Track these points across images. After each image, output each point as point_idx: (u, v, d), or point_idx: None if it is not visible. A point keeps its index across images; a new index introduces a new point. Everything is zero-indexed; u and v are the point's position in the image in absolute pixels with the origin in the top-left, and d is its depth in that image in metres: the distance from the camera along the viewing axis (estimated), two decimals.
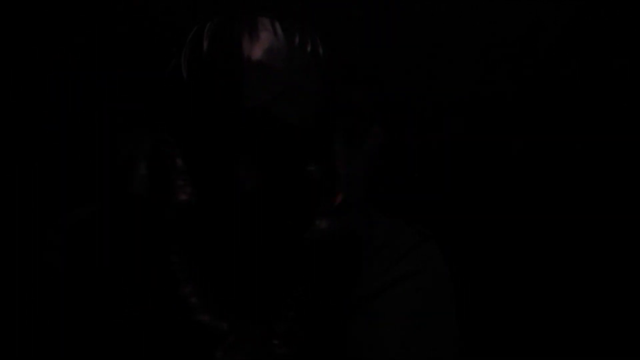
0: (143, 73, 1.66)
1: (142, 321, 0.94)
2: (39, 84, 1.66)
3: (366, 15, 1.66)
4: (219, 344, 0.91)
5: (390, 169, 1.68)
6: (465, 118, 1.69)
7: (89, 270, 1.02)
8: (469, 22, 1.67)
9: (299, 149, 0.98)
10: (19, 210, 1.65)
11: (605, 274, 1.70)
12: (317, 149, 1.00)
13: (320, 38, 1.08)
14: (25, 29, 1.64)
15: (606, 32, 1.66)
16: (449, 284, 1.09)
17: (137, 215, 0.96)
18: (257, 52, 0.99)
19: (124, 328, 0.96)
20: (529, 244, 1.71)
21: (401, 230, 1.12)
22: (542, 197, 1.70)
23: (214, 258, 0.96)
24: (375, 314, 1.02)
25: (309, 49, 1.03)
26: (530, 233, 1.70)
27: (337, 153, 1.04)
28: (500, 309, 1.71)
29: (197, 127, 0.98)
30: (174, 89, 1.03)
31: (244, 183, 0.95)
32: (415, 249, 1.10)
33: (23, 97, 1.66)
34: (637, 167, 1.68)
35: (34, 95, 1.66)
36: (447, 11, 1.67)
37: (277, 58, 0.99)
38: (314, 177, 0.97)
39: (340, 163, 1.02)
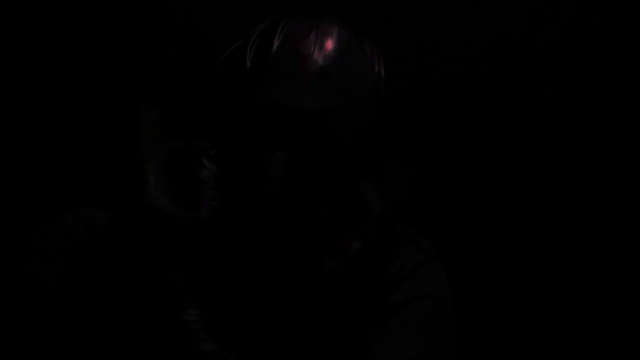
0: (143, 73, 1.66)
1: (137, 345, 0.89)
2: (38, 84, 1.66)
3: (366, 15, 1.66)
4: None
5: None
6: (467, 118, 1.69)
7: (84, 284, 0.98)
8: (469, 22, 1.67)
9: (337, 164, 0.98)
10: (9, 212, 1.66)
11: (606, 274, 1.70)
12: (353, 171, 1.00)
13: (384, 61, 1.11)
14: (25, 29, 1.64)
15: (607, 31, 1.66)
16: (450, 308, 1.10)
17: (148, 229, 0.90)
18: (325, 61, 0.98)
19: (117, 351, 0.91)
20: (530, 245, 1.71)
21: (404, 247, 1.11)
22: (542, 197, 1.70)
23: (224, 279, 0.93)
24: (377, 341, 1.01)
25: (375, 70, 1.05)
26: (531, 233, 1.71)
27: (364, 190, 1.04)
28: (500, 310, 1.71)
29: (245, 118, 0.97)
30: (233, 75, 1.01)
31: (272, 182, 0.93)
32: (418, 271, 1.10)
33: (23, 97, 1.66)
34: (637, 167, 1.68)
35: (34, 95, 1.66)
36: (447, 11, 1.67)
37: (343, 71, 0.99)
38: (329, 214, 0.96)
39: (364, 201, 1.01)
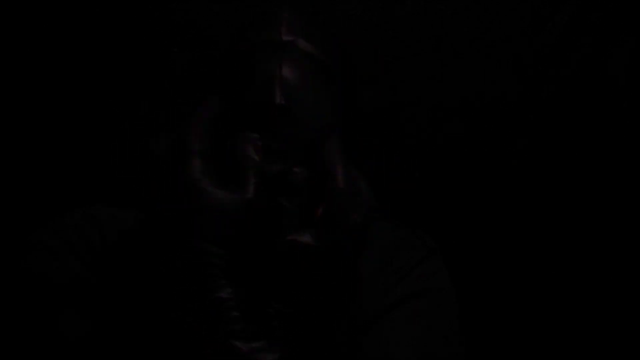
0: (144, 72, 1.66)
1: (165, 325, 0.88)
2: (38, 84, 1.66)
3: (365, 14, 1.66)
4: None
5: (391, 170, 1.68)
6: (467, 117, 1.69)
7: (109, 280, 0.96)
8: (469, 22, 1.67)
9: (301, 144, 0.97)
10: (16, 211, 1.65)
11: (606, 273, 1.70)
12: (317, 151, 0.98)
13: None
14: (26, 29, 1.64)
15: (607, 31, 1.66)
16: (453, 303, 1.08)
17: (193, 212, 0.88)
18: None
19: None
20: (529, 244, 1.71)
21: (406, 241, 1.10)
22: (542, 197, 1.70)
23: (258, 259, 0.91)
24: (381, 335, 0.99)
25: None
26: (530, 233, 1.70)
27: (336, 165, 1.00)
28: (501, 310, 1.71)
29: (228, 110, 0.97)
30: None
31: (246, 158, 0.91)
32: (421, 266, 1.08)
33: (23, 97, 1.66)
34: (637, 167, 1.68)
35: (34, 95, 1.66)
36: (447, 11, 1.67)
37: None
38: (298, 179, 0.94)
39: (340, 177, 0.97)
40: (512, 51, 1.67)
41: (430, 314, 1.03)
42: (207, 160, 0.91)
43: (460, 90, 1.68)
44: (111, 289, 0.96)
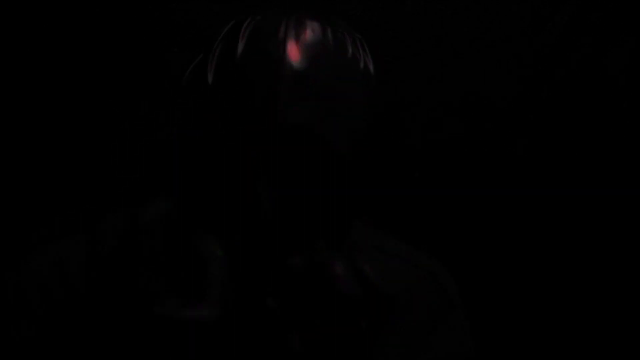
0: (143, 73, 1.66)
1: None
2: (38, 84, 1.66)
3: (366, 15, 1.66)
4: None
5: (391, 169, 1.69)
6: (467, 117, 1.69)
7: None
8: (469, 22, 1.67)
9: (333, 176, 0.83)
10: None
11: (606, 275, 1.70)
12: (351, 178, 0.85)
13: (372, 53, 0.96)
14: (26, 29, 1.64)
15: (607, 31, 1.66)
16: None
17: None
18: (302, 61, 0.83)
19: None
20: (529, 244, 1.71)
21: (425, 294, 0.97)
22: (542, 197, 1.70)
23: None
24: None
25: (361, 65, 0.89)
26: (530, 233, 1.71)
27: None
28: (502, 310, 1.71)
29: (218, 142, 0.82)
30: (197, 95, 0.86)
31: (264, 204, 0.80)
32: (445, 323, 0.98)
33: (23, 97, 1.66)
34: (637, 167, 1.68)
35: (34, 95, 1.66)
36: (447, 11, 1.67)
37: (324, 70, 0.84)
38: (293, 273, 0.78)
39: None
40: (512, 51, 1.67)
41: None
42: (161, 270, 0.82)
43: (460, 90, 1.68)
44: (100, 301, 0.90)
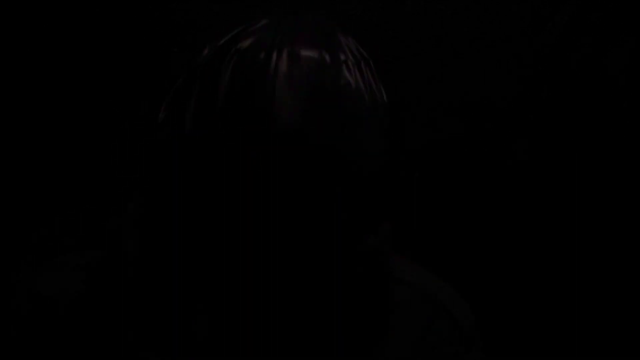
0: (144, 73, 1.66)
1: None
2: (38, 84, 1.66)
3: (366, 15, 1.66)
4: None
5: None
6: (467, 117, 1.69)
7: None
8: (469, 22, 1.67)
9: (357, 207, 0.74)
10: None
11: (606, 274, 1.70)
12: (374, 206, 0.77)
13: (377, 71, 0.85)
14: (26, 29, 1.64)
15: (607, 31, 1.66)
16: None
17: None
18: (297, 100, 0.71)
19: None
20: (529, 244, 1.71)
21: (441, 331, 0.88)
22: (542, 197, 1.70)
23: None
24: None
25: (366, 98, 0.78)
26: (530, 233, 1.70)
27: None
28: (502, 310, 1.71)
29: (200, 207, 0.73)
30: (173, 147, 0.75)
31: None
32: None
33: (23, 97, 1.66)
34: (637, 167, 1.68)
35: (34, 95, 1.66)
36: (447, 11, 1.67)
37: (324, 118, 0.72)
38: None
39: None
40: (512, 51, 1.67)
41: None
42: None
43: (460, 90, 1.68)
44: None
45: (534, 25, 1.66)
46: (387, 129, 0.80)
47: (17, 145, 1.66)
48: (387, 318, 0.83)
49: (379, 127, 0.78)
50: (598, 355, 1.69)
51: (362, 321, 0.80)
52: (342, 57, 0.78)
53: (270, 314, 0.75)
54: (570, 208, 1.69)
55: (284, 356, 0.76)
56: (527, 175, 1.69)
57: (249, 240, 0.73)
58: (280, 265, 0.74)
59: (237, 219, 0.72)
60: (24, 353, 0.81)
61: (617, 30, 1.66)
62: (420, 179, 1.69)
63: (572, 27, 1.66)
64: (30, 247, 1.65)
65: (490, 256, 1.71)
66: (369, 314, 0.81)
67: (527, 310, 1.71)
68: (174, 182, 0.74)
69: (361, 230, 0.78)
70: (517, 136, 1.69)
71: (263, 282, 0.74)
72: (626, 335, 1.69)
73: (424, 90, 1.68)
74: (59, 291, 0.82)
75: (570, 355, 1.70)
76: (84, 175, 1.65)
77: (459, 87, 1.68)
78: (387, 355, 0.81)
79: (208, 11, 1.64)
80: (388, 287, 0.84)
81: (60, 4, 1.63)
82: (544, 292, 1.71)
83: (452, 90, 1.68)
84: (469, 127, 1.69)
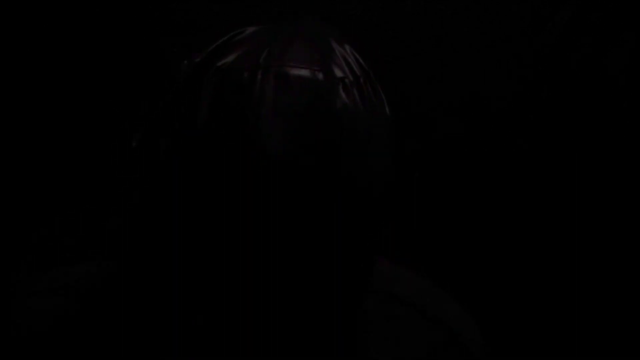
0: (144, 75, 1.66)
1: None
2: (38, 84, 1.66)
3: (366, 15, 1.66)
4: None
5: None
6: (467, 117, 1.69)
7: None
8: (469, 22, 1.67)
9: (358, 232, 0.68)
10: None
11: (606, 275, 1.70)
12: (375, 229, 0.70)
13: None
14: (25, 29, 1.64)
15: (607, 31, 1.66)
16: None
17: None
18: (283, 141, 0.62)
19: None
20: (529, 244, 1.71)
21: (437, 352, 0.81)
22: (542, 197, 1.70)
23: None
24: None
25: (368, 121, 0.69)
26: (530, 233, 1.70)
27: None
28: (502, 310, 1.71)
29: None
30: (147, 169, 0.68)
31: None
32: None
33: (23, 97, 1.66)
34: (637, 167, 1.68)
35: (34, 96, 1.66)
36: (447, 11, 1.67)
37: (314, 146, 0.63)
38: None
39: None
40: (512, 51, 1.67)
41: None
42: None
43: (460, 90, 1.68)
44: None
45: (534, 25, 1.66)
46: (392, 146, 0.73)
47: (17, 145, 1.66)
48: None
49: (382, 148, 0.70)
50: (598, 355, 1.69)
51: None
52: (339, 73, 0.68)
53: (269, 322, 0.70)
54: (570, 208, 1.69)
55: (283, 356, 0.73)
56: (527, 175, 1.69)
57: (247, 268, 0.66)
58: (276, 300, 0.67)
59: (226, 256, 0.65)
60: None
61: (617, 30, 1.66)
62: (420, 179, 1.69)
63: (572, 27, 1.66)
64: (30, 247, 1.65)
65: (490, 256, 1.71)
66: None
67: (528, 310, 1.71)
68: (155, 213, 0.67)
69: (362, 258, 0.71)
70: (517, 136, 1.69)
71: (262, 299, 0.68)
72: (626, 335, 1.69)
73: (424, 90, 1.68)
74: (28, 332, 0.73)
75: (570, 355, 1.70)
76: (84, 175, 1.65)
77: (459, 87, 1.68)
78: None
79: (208, 11, 1.64)
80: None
81: (60, 4, 1.63)
82: (545, 293, 1.71)
83: (452, 90, 1.68)
84: (469, 127, 1.69)
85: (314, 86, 0.65)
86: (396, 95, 1.68)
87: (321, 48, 0.70)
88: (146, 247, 0.70)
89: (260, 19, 0.81)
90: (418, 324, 0.81)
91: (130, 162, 0.72)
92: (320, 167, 0.63)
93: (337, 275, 0.68)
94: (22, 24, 1.63)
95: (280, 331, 0.68)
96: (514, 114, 1.68)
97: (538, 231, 1.70)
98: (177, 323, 0.72)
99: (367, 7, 1.66)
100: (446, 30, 1.67)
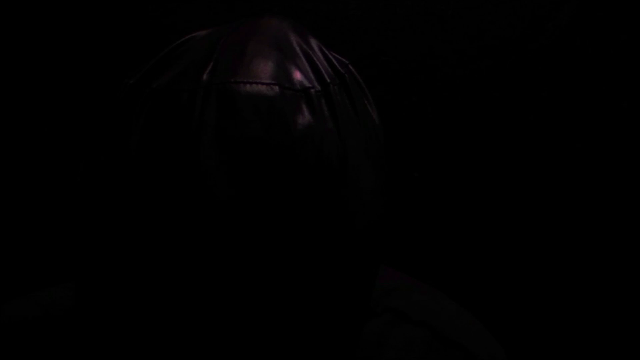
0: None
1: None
2: (37, 84, 1.65)
3: (365, 14, 1.66)
4: None
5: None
6: (466, 117, 1.69)
7: None
8: (469, 22, 1.67)
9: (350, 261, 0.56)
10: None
11: (606, 275, 1.70)
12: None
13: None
14: (25, 29, 1.64)
15: (607, 31, 1.66)
16: None
17: None
18: (227, 182, 0.49)
19: None
20: (529, 244, 1.71)
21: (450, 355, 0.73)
22: (542, 197, 1.70)
23: None
24: None
25: (339, 137, 0.56)
26: (530, 233, 1.70)
27: None
28: (501, 309, 1.71)
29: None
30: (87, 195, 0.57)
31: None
32: None
33: (22, 97, 1.66)
34: (637, 167, 1.68)
35: (34, 96, 1.66)
36: (447, 11, 1.67)
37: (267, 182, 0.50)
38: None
39: None
40: (512, 51, 1.67)
41: None
42: None
43: (460, 91, 1.68)
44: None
45: (534, 26, 1.66)
46: (381, 160, 0.59)
47: (16, 145, 1.66)
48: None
49: (367, 169, 0.57)
50: (598, 355, 1.69)
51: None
52: (304, 84, 0.55)
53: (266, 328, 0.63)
54: (570, 208, 1.69)
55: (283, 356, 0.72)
56: (527, 175, 1.69)
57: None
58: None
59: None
60: None
61: (617, 30, 1.66)
62: (420, 179, 1.69)
63: (572, 27, 1.66)
64: (30, 247, 1.65)
65: (490, 256, 1.71)
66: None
67: (530, 310, 1.71)
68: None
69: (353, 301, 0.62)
70: (517, 136, 1.69)
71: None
72: (626, 335, 1.69)
73: (424, 91, 1.68)
74: None
75: (570, 355, 1.70)
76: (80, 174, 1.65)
77: (459, 87, 1.68)
78: None
79: (208, 11, 1.64)
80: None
81: (60, 4, 1.63)
82: (546, 292, 1.70)
83: (452, 90, 1.68)
84: (468, 126, 1.69)
85: (268, 105, 0.51)
86: (396, 95, 1.68)
87: (280, 53, 0.57)
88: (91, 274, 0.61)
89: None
90: (432, 347, 0.72)
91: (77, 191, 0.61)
92: (277, 215, 0.49)
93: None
94: (22, 24, 1.63)
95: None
96: (514, 114, 1.68)
97: (538, 232, 1.70)
98: (174, 322, 0.69)
99: (367, 7, 1.65)
100: (446, 30, 1.67)
